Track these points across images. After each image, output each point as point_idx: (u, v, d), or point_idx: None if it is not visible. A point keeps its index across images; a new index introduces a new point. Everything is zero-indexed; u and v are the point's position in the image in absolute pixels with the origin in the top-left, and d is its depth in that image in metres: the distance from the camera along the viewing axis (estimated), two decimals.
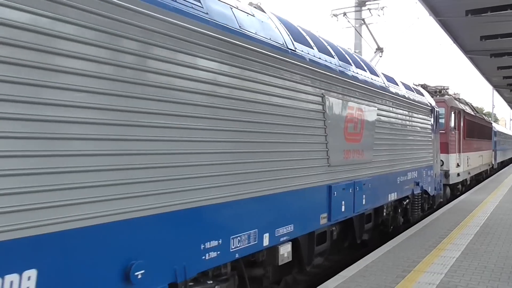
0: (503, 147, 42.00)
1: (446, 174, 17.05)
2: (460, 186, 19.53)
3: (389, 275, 7.10)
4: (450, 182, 17.50)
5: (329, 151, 6.73)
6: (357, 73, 7.99)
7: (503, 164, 43.32)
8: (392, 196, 9.73)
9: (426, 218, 12.87)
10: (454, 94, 23.32)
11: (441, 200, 15.30)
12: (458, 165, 18.35)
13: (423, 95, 12.64)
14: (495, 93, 53.11)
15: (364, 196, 8.02)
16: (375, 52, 13.49)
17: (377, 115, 8.68)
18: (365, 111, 8.09)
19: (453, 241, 9.61)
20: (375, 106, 8.58)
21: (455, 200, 19.22)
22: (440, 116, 16.36)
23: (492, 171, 32.48)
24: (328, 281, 6.81)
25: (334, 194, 6.87)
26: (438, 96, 18.72)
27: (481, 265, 7.73)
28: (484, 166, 27.12)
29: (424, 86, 18.43)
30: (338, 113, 7.05)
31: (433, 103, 13.62)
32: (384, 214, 9.73)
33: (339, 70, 7.20)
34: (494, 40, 18.10)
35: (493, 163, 32.58)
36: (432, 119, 12.85)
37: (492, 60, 22.40)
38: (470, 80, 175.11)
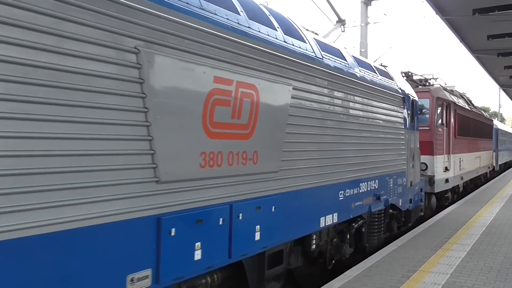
0: (506, 147, 37.59)
1: (431, 181, 13.78)
2: (450, 194, 16.09)
3: (394, 275, 7.04)
4: (436, 191, 14.12)
5: (156, 154, 3.65)
6: (249, 26, 4.89)
7: (506, 166, 39.41)
8: (329, 219, 6.64)
9: (431, 218, 12.27)
10: (461, 89, 20.51)
11: (422, 214, 12.16)
12: (446, 169, 15.02)
13: (392, 79, 9.48)
14: (502, 92, 50.86)
15: (258, 226, 4.94)
16: (334, 25, 10.40)
17: (293, 97, 5.57)
18: (264, 89, 4.98)
19: (458, 241, 9.52)
20: (288, 84, 5.46)
21: (455, 203, 16.81)
22: (425, 110, 13.37)
23: (493, 174, 28.63)
24: (333, 280, 6.64)
25: (171, 232, 3.79)
26: (426, 85, 15.58)
27: (487, 266, 7.63)
28: (483, 168, 23.35)
29: (408, 74, 15.36)
30: (186, 87, 3.96)
31: (410, 91, 10.47)
32: (314, 246, 6.63)
33: (195, 12, 4.11)
34: (501, 39, 17.89)
35: (494, 165, 28.22)
36: (405, 111, 9.72)
37: (499, 59, 22.38)
38: (476, 79, 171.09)
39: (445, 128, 15.00)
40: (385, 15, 38.57)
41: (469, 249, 8.83)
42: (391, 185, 9.05)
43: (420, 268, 7.41)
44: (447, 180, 15.03)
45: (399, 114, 9.31)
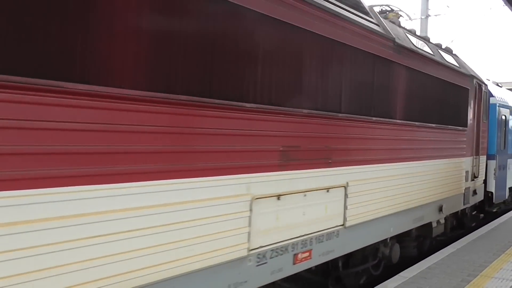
0: None
1: None
2: None
3: (453, 278, 6.86)
4: None
5: None
6: None
7: None
8: None
9: (493, 222, 11.88)
10: None
11: None
12: None
13: None
14: None
15: None
16: None
17: None
18: None
19: None
20: None
21: None
22: None
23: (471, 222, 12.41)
24: (388, 280, 6.65)
25: None
26: None
27: None
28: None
29: None
30: None
31: None
32: None
33: None
34: None
35: (492, 191, 12.27)
36: None
37: None
38: None
39: None
40: (448, 7, 36.67)
41: None
42: None
43: (482, 273, 7.19)
44: None
45: None
